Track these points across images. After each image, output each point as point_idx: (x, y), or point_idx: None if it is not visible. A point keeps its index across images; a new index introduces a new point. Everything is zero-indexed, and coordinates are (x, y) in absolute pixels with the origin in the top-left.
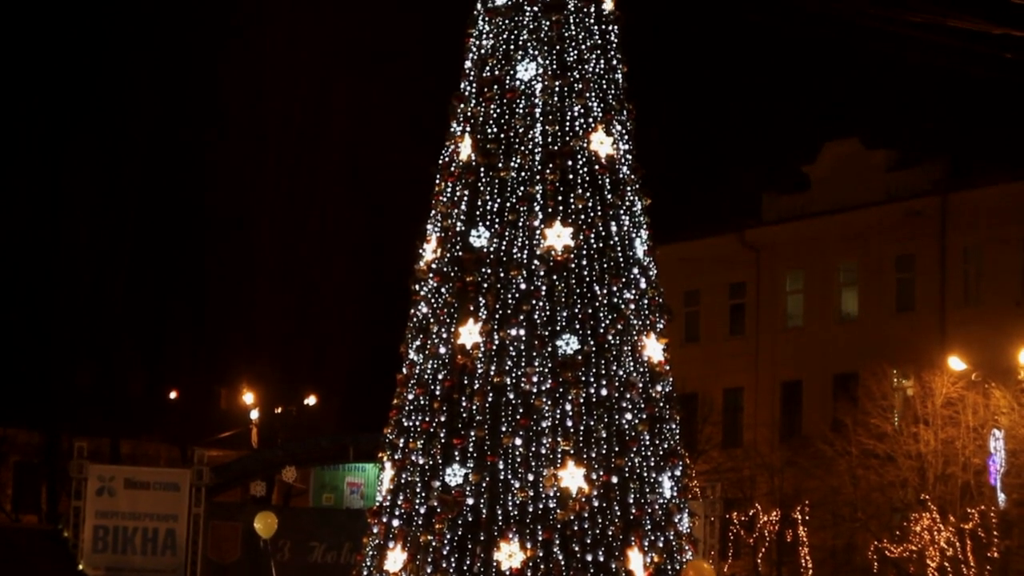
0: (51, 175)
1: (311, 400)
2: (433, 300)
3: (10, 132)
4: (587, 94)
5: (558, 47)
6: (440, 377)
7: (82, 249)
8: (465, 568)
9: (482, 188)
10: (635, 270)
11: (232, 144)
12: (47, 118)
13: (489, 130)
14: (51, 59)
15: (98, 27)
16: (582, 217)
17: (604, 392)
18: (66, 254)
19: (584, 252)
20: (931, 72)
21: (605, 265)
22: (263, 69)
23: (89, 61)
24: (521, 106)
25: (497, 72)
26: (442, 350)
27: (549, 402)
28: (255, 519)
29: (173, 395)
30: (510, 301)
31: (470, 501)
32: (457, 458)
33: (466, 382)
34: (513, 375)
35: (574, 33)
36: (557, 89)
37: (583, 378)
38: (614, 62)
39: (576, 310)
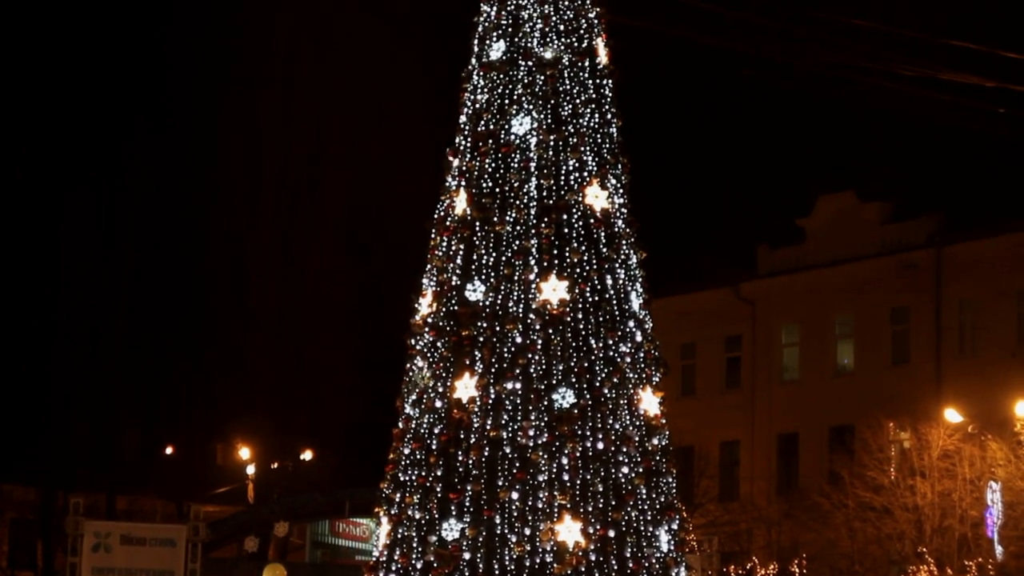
0: (47, 228)
1: (307, 455)
2: (429, 354)
3: (6, 184)
4: (582, 148)
5: (553, 101)
6: (436, 431)
7: (78, 304)
8: None
9: (477, 242)
10: (631, 323)
11: (228, 200)
12: (44, 168)
13: (484, 184)
14: (50, 106)
15: (97, 74)
16: (577, 271)
17: (600, 446)
18: (62, 309)
19: (580, 306)
20: (925, 125)
21: (601, 319)
22: (260, 124)
23: (87, 108)
24: (516, 160)
25: (492, 126)
26: (438, 404)
27: (545, 456)
28: (264, 571)
29: (169, 450)
30: (506, 355)
31: (467, 556)
32: (454, 512)
33: (462, 436)
34: (509, 429)
35: (569, 87)
36: (552, 143)
37: (579, 432)
38: (609, 116)
39: (572, 364)
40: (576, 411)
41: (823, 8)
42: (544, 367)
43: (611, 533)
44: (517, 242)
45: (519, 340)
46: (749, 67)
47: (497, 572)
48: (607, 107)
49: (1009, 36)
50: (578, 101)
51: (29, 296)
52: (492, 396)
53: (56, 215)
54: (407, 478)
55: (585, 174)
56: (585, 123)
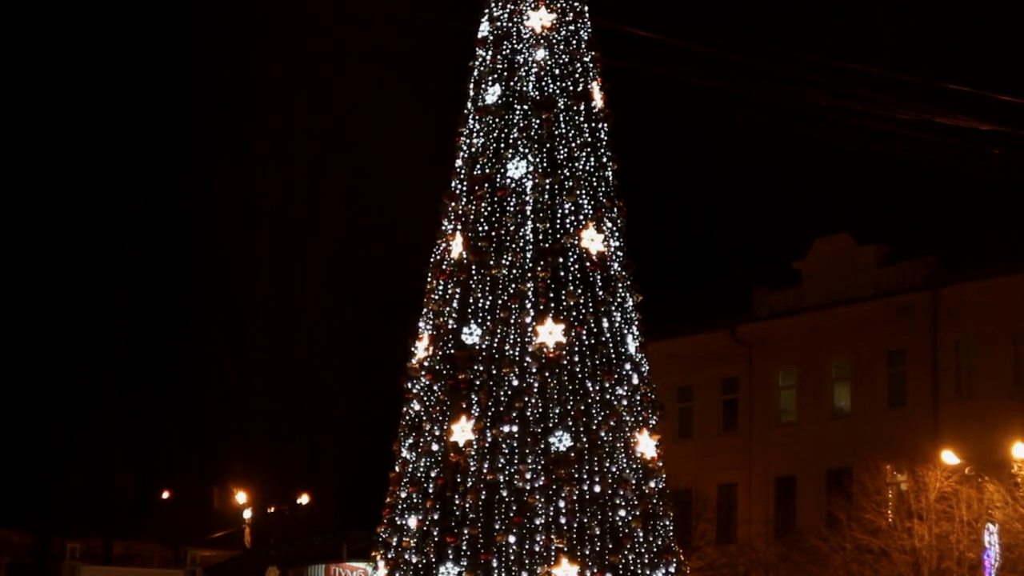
0: (44, 277)
1: (304, 499)
2: (425, 398)
3: (4, 233)
4: (578, 192)
5: (548, 145)
6: (433, 475)
7: (74, 349)
8: None
9: (473, 286)
10: (627, 366)
11: (224, 245)
12: (41, 220)
13: (480, 228)
14: (47, 162)
15: (93, 113)
16: (574, 314)
17: (597, 489)
18: (59, 354)
19: (576, 349)
20: (921, 167)
21: (597, 361)
22: (256, 168)
23: (83, 162)
24: (512, 204)
25: (488, 170)
26: (435, 448)
27: (542, 499)
28: None
29: (165, 495)
30: (502, 398)
31: None
32: (451, 556)
33: (459, 480)
34: (506, 472)
35: (564, 131)
36: (548, 187)
37: (576, 475)
38: (604, 159)
39: (569, 407)
40: (573, 454)
41: (818, 51)
42: (541, 410)
43: None
44: (513, 285)
45: (516, 383)
46: (742, 111)
47: None
48: (603, 150)
49: (1003, 79)
50: (574, 145)
51: (26, 342)
52: (489, 439)
53: (53, 260)
54: (404, 522)
55: (581, 217)
56: (581, 167)
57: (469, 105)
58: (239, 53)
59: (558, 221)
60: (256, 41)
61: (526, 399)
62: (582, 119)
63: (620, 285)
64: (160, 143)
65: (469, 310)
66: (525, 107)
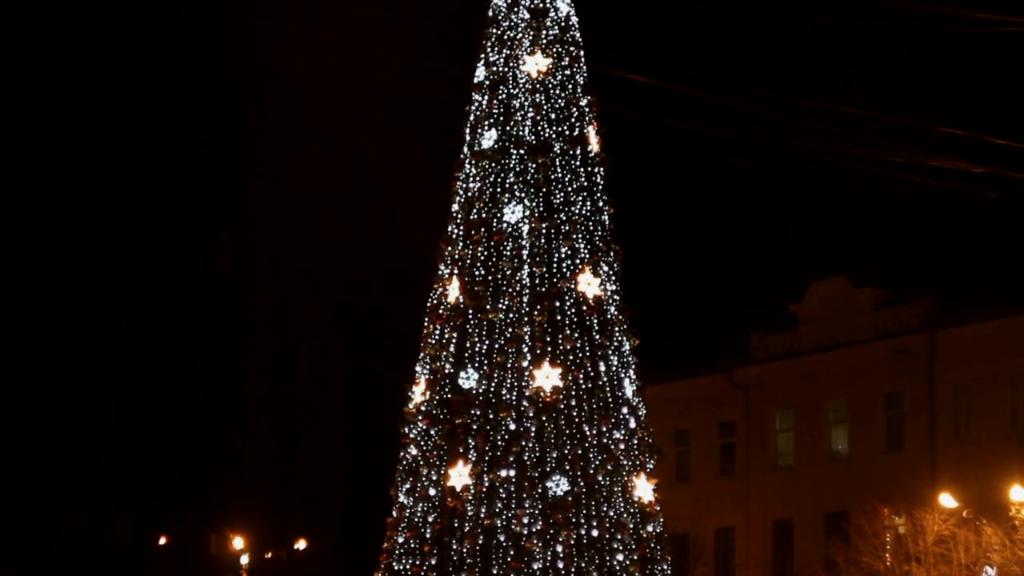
0: (42, 320)
1: (301, 544)
2: (423, 442)
3: (2, 276)
4: (574, 236)
5: (544, 189)
6: (430, 520)
7: (71, 394)
8: None
9: (470, 330)
10: (624, 410)
11: (221, 292)
12: (39, 260)
13: (477, 272)
14: (43, 211)
15: (90, 164)
16: (570, 358)
17: (595, 533)
18: (56, 400)
19: (573, 393)
20: (916, 210)
21: (594, 405)
22: (252, 214)
23: (79, 212)
24: (508, 248)
25: (484, 214)
26: (432, 493)
27: (540, 544)
28: None
29: (162, 541)
30: (499, 443)
31: None
32: None
33: (456, 525)
34: (503, 517)
35: (560, 175)
36: (544, 231)
37: (574, 519)
38: (600, 203)
39: (566, 451)
40: (570, 498)
41: (812, 95)
42: (538, 455)
43: None
44: (510, 329)
45: (513, 427)
46: (737, 155)
47: None
48: (599, 194)
49: (997, 122)
50: (570, 189)
51: (22, 386)
52: (486, 484)
53: (51, 305)
54: (401, 567)
55: (578, 261)
56: (577, 211)
57: (465, 150)
58: (237, 103)
59: (555, 265)
60: (254, 92)
61: (523, 443)
62: (578, 163)
63: (617, 329)
64: (160, 190)
65: (466, 354)
66: (521, 151)
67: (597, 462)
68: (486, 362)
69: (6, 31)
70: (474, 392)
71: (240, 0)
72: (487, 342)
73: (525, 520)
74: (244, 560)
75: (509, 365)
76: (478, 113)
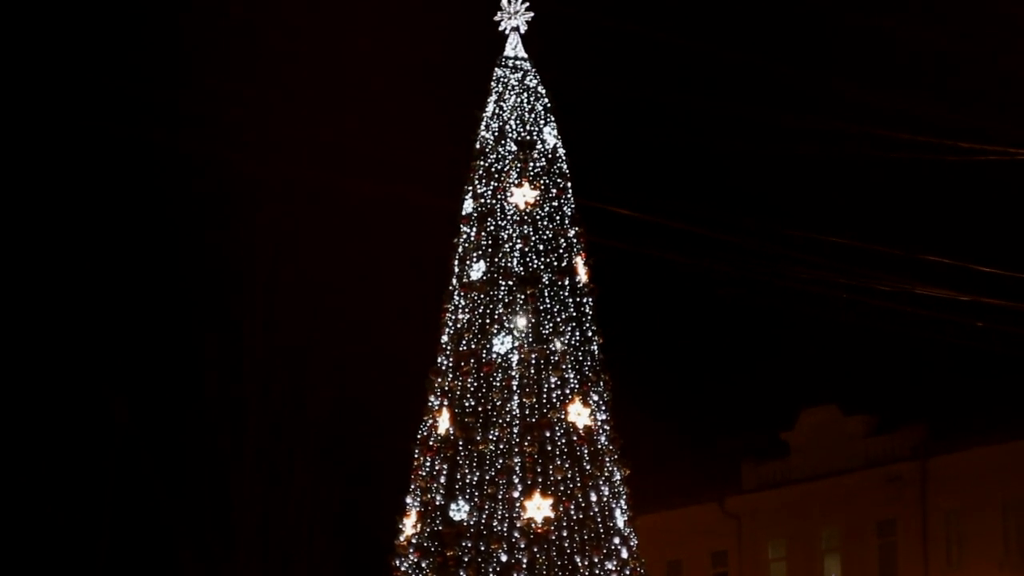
0: (40, 423)
1: None
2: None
3: None
4: (563, 366)
5: (534, 320)
6: None
7: (56, 534)
8: None
9: (461, 461)
10: (616, 540)
11: (211, 420)
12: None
13: (467, 403)
14: (39, 310)
15: (75, 268)
16: (561, 488)
17: None
18: (39, 541)
19: (564, 523)
20: (905, 338)
21: (586, 536)
22: (243, 343)
23: (74, 309)
24: (498, 379)
25: (473, 345)
26: None
27: None
28: None
29: None
30: (491, 575)
31: None
32: None
33: None
34: None
35: (549, 306)
36: (533, 361)
37: None
38: (589, 333)
39: None
40: None
41: (798, 225)
42: None
43: None
44: (500, 460)
45: (504, 559)
46: (724, 287)
47: None
48: (588, 325)
49: (980, 250)
50: (559, 319)
51: (19, 479)
52: None
53: (43, 413)
54: None
55: (567, 392)
56: (566, 341)
57: (454, 281)
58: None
59: (544, 395)
60: (248, 211)
61: (515, 575)
62: (567, 294)
63: (607, 459)
64: (149, 302)
65: (457, 486)
66: (510, 283)
67: None
68: (477, 494)
69: None
70: (465, 524)
71: (227, 139)
72: (477, 473)
73: None
74: None
75: (500, 496)
76: (466, 245)
